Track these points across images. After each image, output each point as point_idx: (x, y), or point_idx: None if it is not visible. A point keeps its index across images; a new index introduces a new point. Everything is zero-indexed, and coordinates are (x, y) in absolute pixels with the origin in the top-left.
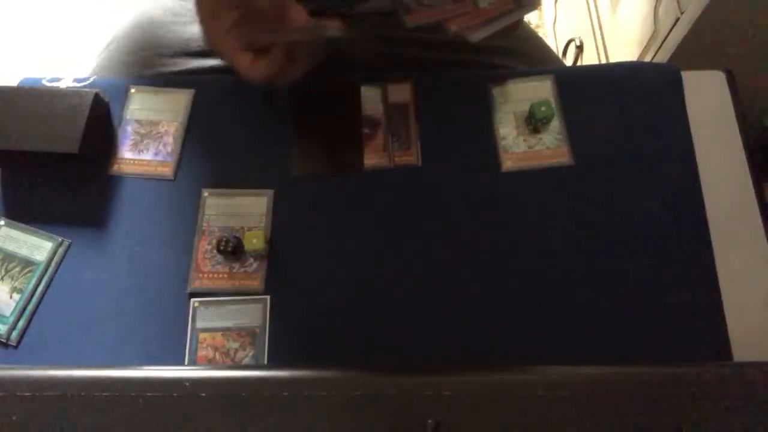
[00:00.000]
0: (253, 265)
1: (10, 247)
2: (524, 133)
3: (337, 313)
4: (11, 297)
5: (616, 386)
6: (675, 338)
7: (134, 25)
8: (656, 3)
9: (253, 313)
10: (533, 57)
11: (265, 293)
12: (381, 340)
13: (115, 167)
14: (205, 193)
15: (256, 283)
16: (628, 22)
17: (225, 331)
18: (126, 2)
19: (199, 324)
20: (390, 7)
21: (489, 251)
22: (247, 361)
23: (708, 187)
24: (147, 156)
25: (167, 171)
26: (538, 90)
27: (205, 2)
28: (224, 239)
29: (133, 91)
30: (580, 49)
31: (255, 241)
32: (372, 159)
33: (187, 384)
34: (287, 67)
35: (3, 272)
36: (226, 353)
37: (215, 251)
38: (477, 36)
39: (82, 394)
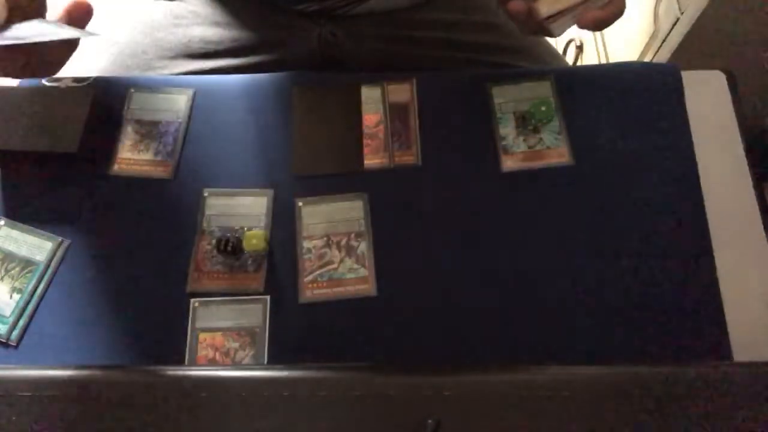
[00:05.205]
0: (253, 265)
1: (10, 247)
2: (524, 133)
3: (336, 313)
4: (11, 297)
5: (616, 386)
6: (675, 338)
7: (135, 27)
8: (656, 3)
9: (253, 313)
10: (533, 54)
11: (265, 293)
12: (381, 340)
13: (115, 167)
14: (205, 193)
15: (256, 283)
16: (628, 22)
17: (225, 331)
18: (126, 3)
19: (199, 324)
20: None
21: (489, 251)
22: (247, 361)
23: (708, 187)
24: (147, 156)
25: (167, 171)
26: (538, 90)
27: None
28: (224, 239)
29: (133, 91)
30: (580, 49)
31: (255, 241)
32: (372, 159)
33: (187, 384)
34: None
35: (3, 272)
36: (226, 353)
37: (215, 251)
38: (561, 29)
39: (82, 394)
